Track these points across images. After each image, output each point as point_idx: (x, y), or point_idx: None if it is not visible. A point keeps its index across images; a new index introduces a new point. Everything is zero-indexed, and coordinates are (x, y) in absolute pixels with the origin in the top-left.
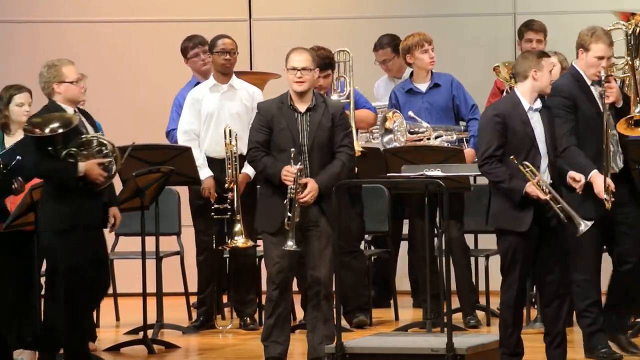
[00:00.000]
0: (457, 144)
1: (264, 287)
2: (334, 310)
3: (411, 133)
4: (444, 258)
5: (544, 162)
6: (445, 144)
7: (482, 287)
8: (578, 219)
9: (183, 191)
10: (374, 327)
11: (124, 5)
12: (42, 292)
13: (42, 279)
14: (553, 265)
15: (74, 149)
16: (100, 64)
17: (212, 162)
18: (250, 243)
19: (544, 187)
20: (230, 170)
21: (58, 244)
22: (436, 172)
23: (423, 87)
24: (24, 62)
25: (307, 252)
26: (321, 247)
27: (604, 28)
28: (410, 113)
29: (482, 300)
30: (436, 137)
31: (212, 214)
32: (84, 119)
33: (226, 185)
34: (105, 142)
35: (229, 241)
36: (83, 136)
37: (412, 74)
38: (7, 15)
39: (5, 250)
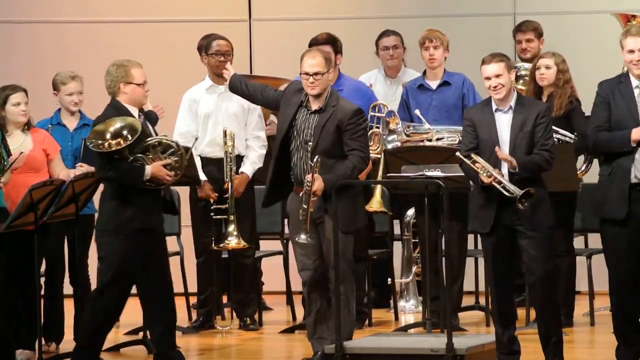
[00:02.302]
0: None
1: (263, 288)
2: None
3: (410, 135)
4: (444, 259)
5: (505, 165)
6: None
7: (481, 287)
8: (514, 189)
9: (183, 191)
10: (374, 327)
11: (124, 6)
12: (42, 292)
13: (42, 279)
14: (535, 267)
15: (140, 155)
16: (100, 64)
17: (210, 163)
18: (243, 244)
19: (485, 173)
20: (226, 171)
21: (111, 243)
22: (436, 173)
23: (434, 84)
24: (24, 62)
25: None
26: (325, 244)
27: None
28: (417, 112)
29: (482, 301)
30: (438, 139)
31: (212, 214)
32: (146, 121)
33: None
34: (170, 143)
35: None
36: (148, 140)
37: (425, 70)
38: (7, 15)
39: (5, 250)
